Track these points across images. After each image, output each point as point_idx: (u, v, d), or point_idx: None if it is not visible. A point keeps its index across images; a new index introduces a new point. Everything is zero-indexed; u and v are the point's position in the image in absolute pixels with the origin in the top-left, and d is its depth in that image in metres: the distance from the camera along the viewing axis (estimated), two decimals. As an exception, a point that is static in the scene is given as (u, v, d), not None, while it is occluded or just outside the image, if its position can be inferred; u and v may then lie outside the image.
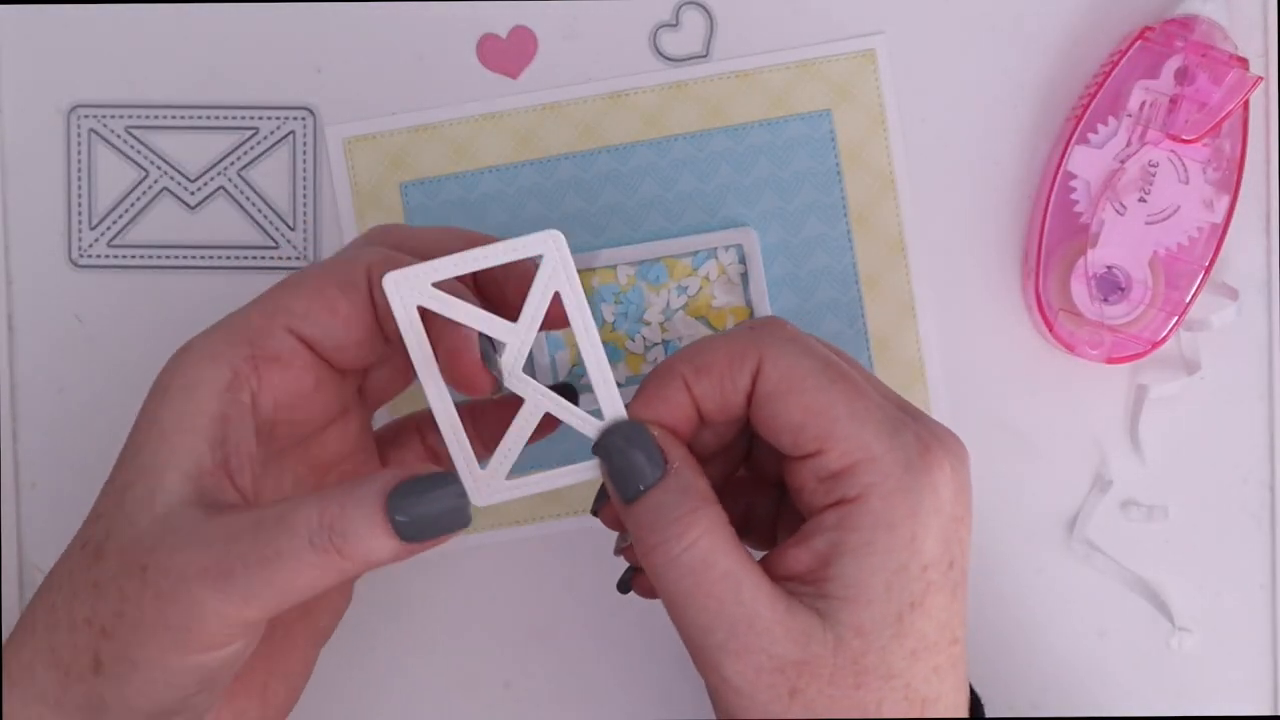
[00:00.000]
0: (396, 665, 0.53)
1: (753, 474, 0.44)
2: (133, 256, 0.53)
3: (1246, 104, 0.51)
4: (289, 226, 0.54)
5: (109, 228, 0.54)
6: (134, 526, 0.37)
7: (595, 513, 0.41)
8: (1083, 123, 0.51)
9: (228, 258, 0.53)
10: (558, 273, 0.37)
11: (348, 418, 0.43)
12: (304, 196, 0.54)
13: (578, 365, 0.53)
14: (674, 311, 0.53)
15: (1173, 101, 0.51)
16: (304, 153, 0.54)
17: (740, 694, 0.37)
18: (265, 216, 0.54)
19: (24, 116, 0.53)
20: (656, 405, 0.39)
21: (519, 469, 0.39)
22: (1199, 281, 0.51)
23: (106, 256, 0.53)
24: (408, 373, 0.42)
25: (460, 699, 0.53)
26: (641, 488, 0.38)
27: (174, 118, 0.53)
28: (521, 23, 0.53)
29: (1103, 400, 0.53)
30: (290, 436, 0.41)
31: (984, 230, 0.53)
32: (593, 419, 0.39)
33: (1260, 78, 0.50)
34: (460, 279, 0.39)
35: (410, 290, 0.37)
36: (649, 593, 0.42)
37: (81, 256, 0.53)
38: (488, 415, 0.44)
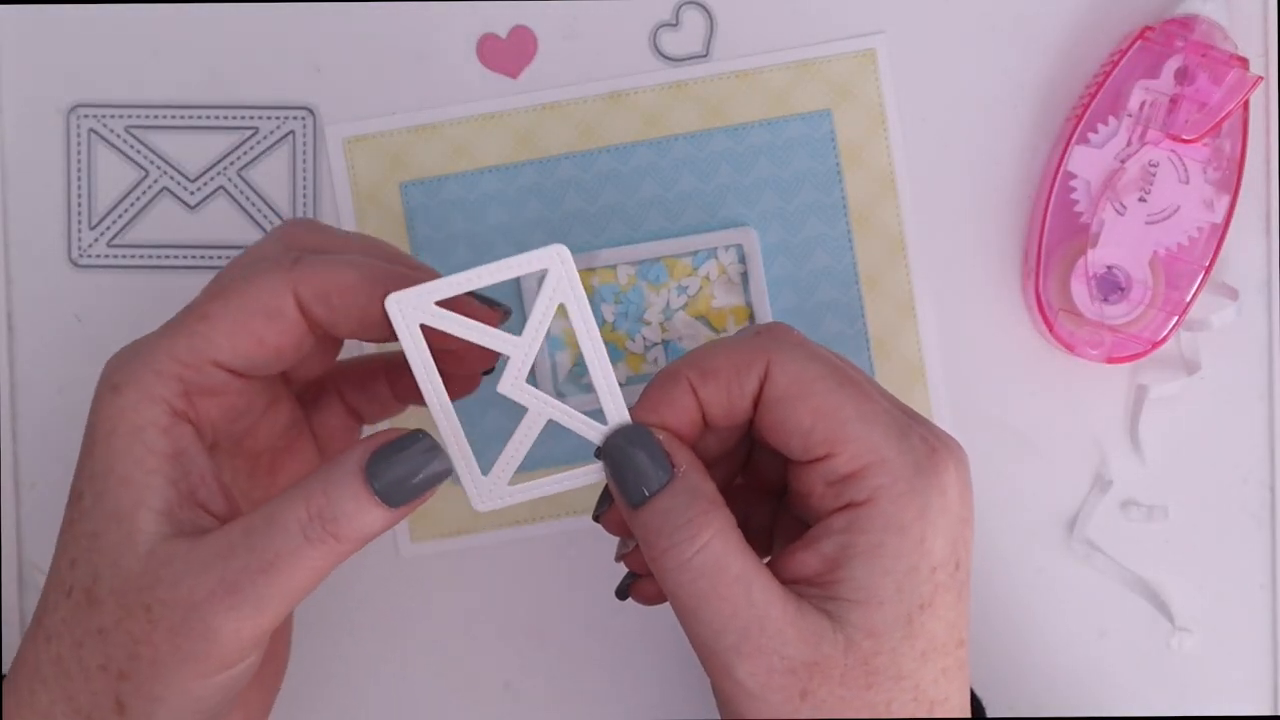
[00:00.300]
0: (397, 665, 0.53)
1: (750, 481, 0.44)
2: (133, 256, 0.53)
3: (1246, 104, 0.51)
4: (289, 226, 0.54)
5: (109, 228, 0.54)
6: (121, 569, 0.37)
7: (597, 518, 0.41)
8: (1083, 123, 0.51)
9: (227, 258, 0.53)
10: (563, 286, 0.37)
11: (279, 405, 0.44)
12: (304, 196, 0.54)
13: (577, 365, 0.53)
14: (674, 311, 0.53)
15: (1173, 101, 0.51)
16: (304, 153, 0.54)
17: (752, 696, 0.37)
18: (265, 216, 0.54)
19: (24, 116, 0.53)
20: (662, 409, 0.39)
21: (521, 467, 0.39)
22: (1199, 281, 0.51)
23: (106, 256, 0.53)
24: (331, 352, 0.43)
25: (460, 699, 0.53)
26: (647, 493, 0.38)
27: (174, 118, 0.53)
28: (521, 23, 0.53)
29: (1103, 400, 0.53)
30: (230, 441, 0.42)
31: (984, 230, 0.53)
32: (597, 424, 0.39)
33: (1260, 78, 0.50)
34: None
35: (413, 310, 0.37)
36: (649, 599, 0.42)
37: (81, 256, 0.53)
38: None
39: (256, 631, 0.36)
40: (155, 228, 0.54)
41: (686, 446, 0.39)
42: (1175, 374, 0.53)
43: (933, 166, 0.53)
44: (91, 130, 0.53)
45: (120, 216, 0.54)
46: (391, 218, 0.53)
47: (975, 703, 0.43)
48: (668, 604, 0.39)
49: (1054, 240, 0.51)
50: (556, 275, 0.37)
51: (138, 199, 0.54)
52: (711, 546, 0.37)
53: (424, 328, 0.37)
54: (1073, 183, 0.51)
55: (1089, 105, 0.51)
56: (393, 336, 0.38)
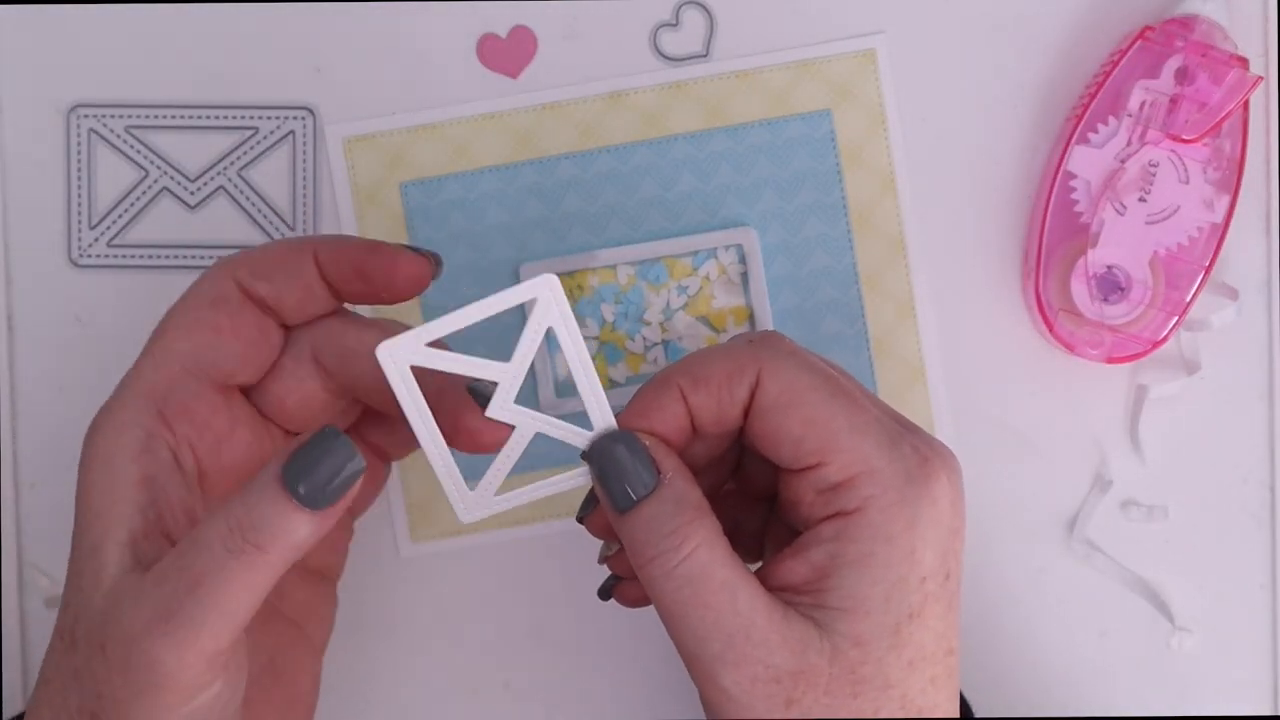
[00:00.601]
0: (397, 665, 0.53)
1: (741, 487, 0.44)
2: (133, 256, 0.53)
3: (1246, 104, 0.51)
4: (289, 226, 0.54)
5: (109, 227, 0.54)
6: (90, 608, 0.37)
7: (581, 520, 0.41)
8: (1083, 123, 0.51)
9: (228, 258, 0.53)
10: (551, 311, 0.37)
11: (269, 432, 0.43)
12: (304, 196, 0.54)
13: None
14: (674, 311, 0.53)
15: (1173, 101, 0.51)
16: (304, 152, 0.54)
17: (737, 704, 0.37)
18: (265, 216, 0.54)
19: (24, 116, 0.53)
20: (650, 415, 0.39)
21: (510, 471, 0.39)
22: (1199, 281, 0.51)
23: (106, 256, 0.53)
24: (307, 385, 0.42)
25: (460, 699, 0.53)
26: (634, 498, 0.38)
27: (174, 117, 0.53)
28: (521, 23, 0.53)
29: (1103, 400, 0.53)
30: (219, 472, 0.41)
31: (984, 230, 0.53)
32: (584, 431, 0.39)
33: (1260, 78, 0.50)
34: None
35: (404, 354, 0.37)
36: (632, 601, 0.42)
37: (81, 256, 0.53)
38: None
39: (201, 657, 0.35)
40: (155, 228, 0.54)
41: (674, 453, 0.39)
42: (1175, 374, 0.53)
43: (933, 166, 0.53)
44: (91, 130, 0.53)
45: (120, 216, 0.54)
46: (391, 218, 0.53)
47: (964, 707, 0.43)
48: (652, 606, 0.39)
49: (1054, 240, 0.51)
50: (545, 302, 0.37)
51: (138, 199, 0.54)
52: (697, 555, 0.37)
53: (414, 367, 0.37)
54: (1073, 183, 0.51)
55: (1089, 105, 0.51)
56: (327, 308, 0.39)
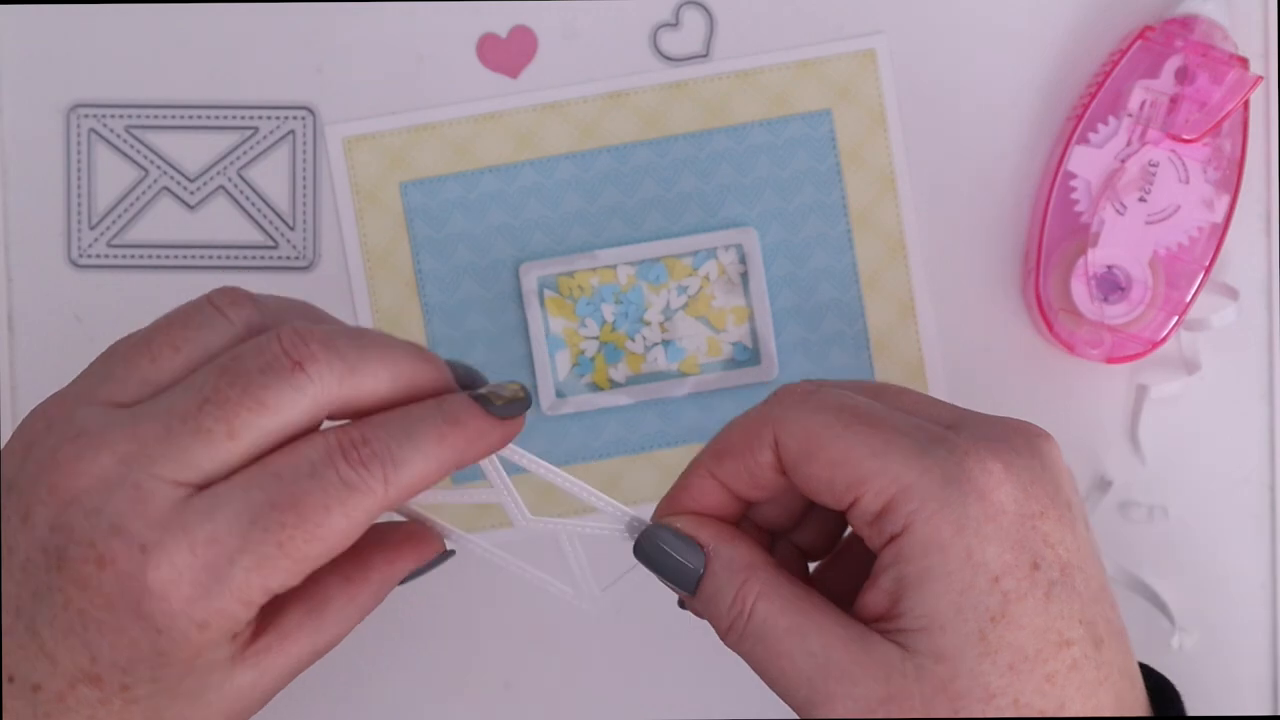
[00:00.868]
0: (397, 665, 0.53)
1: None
2: (133, 256, 0.53)
3: (1246, 104, 0.51)
4: (288, 226, 0.54)
5: (109, 227, 0.53)
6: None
7: (682, 606, 0.41)
8: (1083, 122, 0.51)
9: (227, 257, 0.53)
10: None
11: None
12: (304, 196, 0.54)
13: (577, 365, 0.53)
14: (674, 311, 0.53)
15: (1173, 101, 0.51)
16: (304, 152, 0.54)
17: None
18: (265, 216, 0.54)
19: (24, 116, 0.53)
20: (681, 499, 0.40)
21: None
22: (1199, 281, 0.51)
23: (106, 256, 0.53)
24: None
25: (460, 699, 0.53)
26: (694, 578, 0.39)
27: (174, 117, 0.53)
28: (521, 22, 0.53)
29: (1103, 400, 0.53)
30: None
31: (984, 230, 0.53)
32: (619, 515, 0.40)
33: (1260, 77, 0.50)
34: None
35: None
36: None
37: (81, 256, 0.53)
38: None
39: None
40: (155, 227, 0.54)
41: (713, 521, 0.39)
42: (1175, 374, 0.53)
43: (933, 166, 0.53)
44: (91, 130, 0.53)
45: (120, 216, 0.54)
46: (391, 218, 0.53)
47: (1159, 686, 0.40)
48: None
49: (1054, 240, 0.51)
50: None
51: (138, 199, 0.54)
52: (757, 611, 0.37)
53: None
54: (1073, 182, 0.51)
55: (1089, 105, 0.51)
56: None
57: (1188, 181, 0.51)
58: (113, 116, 0.53)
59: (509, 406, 0.38)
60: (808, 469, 0.38)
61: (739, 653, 0.38)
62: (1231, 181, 0.51)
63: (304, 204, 0.54)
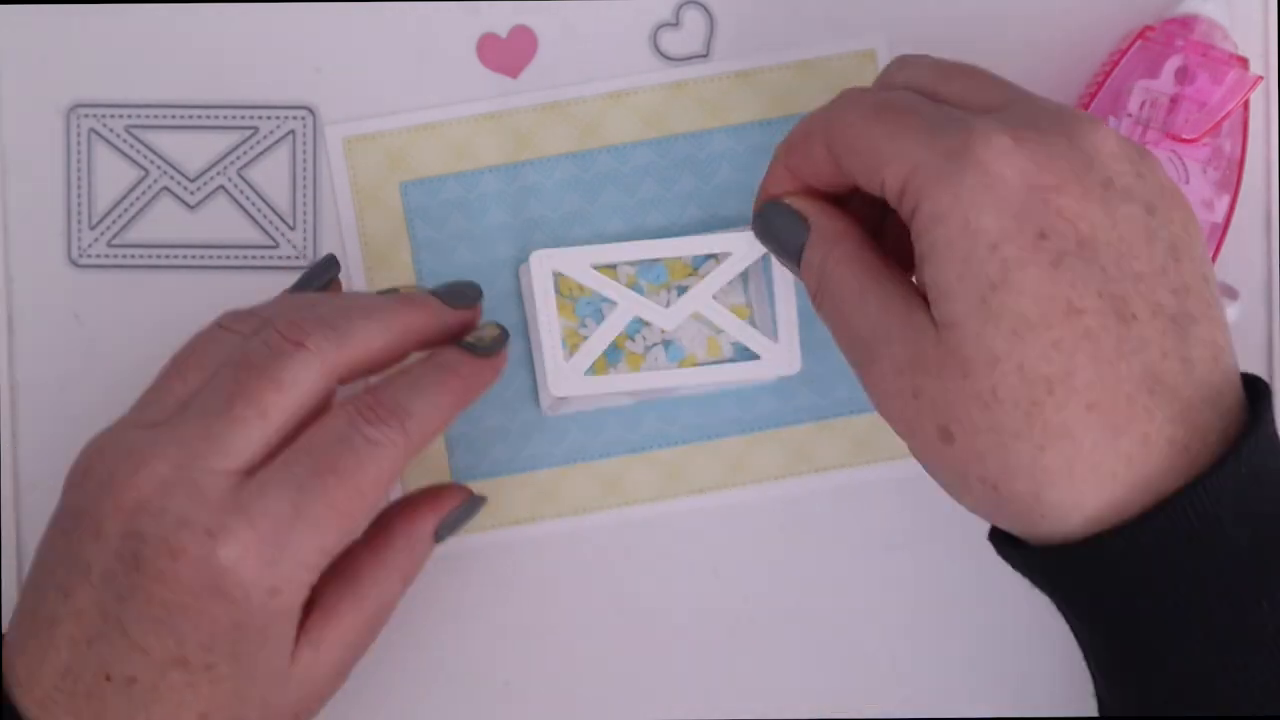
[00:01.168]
0: (397, 664, 0.53)
1: None
2: (132, 256, 0.54)
3: (1247, 104, 0.51)
4: (289, 226, 0.54)
5: (109, 227, 0.54)
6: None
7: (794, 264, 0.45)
8: (1083, 123, 0.51)
9: (228, 257, 0.53)
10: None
11: None
12: (304, 196, 0.54)
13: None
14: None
15: (1173, 101, 0.51)
16: (304, 152, 0.54)
17: (875, 399, 0.40)
18: (265, 216, 0.54)
19: (24, 116, 0.53)
20: (766, 185, 0.44)
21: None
22: (1199, 281, 0.51)
23: (106, 256, 0.53)
24: None
25: (460, 698, 0.53)
26: (798, 246, 0.43)
27: (174, 117, 0.53)
28: (521, 22, 0.53)
29: (1103, 400, 0.53)
30: None
31: (984, 230, 0.53)
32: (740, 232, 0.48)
33: (1260, 77, 0.50)
34: None
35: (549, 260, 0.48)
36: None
37: (81, 256, 0.53)
38: None
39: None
40: (155, 227, 0.54)
41: (815, 197, 0.43)
42: (1175, 374, 0.53)
43: (933, 166, 0.53)
44: (91, 130, 0.53)
45: (120, 216, 0.54)
46: (391, 218, 0.53)
47: (1257, 389, 0.39)
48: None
49: (1054, 240, 0.51)
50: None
51: (138, 199, 0.54)
52: (833, 275, 0.41)
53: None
54: (1073, 183, 0.51)
55: (1089, 105, 0.51)
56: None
57: (1188, 181, 0.51)
58: (113, 116, 0.53)
59: (492, 345, 0.45)
60: (847, 161, 0.41)
61: (820, 316, 0.42)
62: (1231, 181, 0.51)
63: (304, 204, 0.54)
